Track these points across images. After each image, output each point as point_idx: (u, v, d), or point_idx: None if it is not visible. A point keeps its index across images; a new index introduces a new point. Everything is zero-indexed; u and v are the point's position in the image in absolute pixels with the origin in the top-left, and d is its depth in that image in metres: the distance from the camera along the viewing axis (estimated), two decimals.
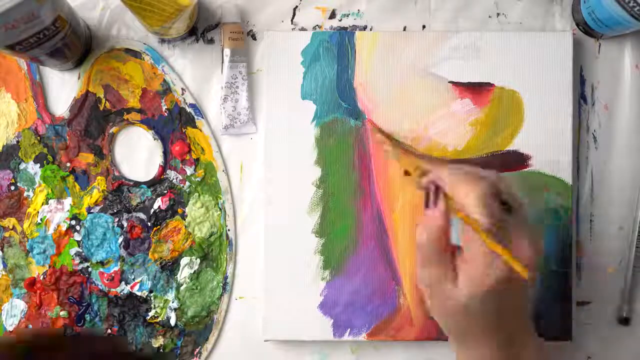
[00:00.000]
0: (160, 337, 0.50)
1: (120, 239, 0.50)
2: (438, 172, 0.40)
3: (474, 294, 0.36)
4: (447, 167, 0.40)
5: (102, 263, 0.50)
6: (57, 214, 0.50)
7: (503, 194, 0.38)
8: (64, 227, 0.50)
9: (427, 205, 0.40)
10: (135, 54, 0.51)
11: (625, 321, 0.50)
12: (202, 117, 0.51)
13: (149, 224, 0.50)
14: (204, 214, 0.50)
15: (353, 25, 0.51)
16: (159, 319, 0.50)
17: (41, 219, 0.50)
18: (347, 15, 0.51)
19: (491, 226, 0.36)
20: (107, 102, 0.50)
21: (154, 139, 0.50)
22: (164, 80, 0.50)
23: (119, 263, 0.50)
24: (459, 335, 0.39)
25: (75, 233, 0.50)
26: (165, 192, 0.50)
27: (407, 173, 0.44)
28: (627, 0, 0.44)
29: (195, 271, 0.50)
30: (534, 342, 0.39)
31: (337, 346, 0.51)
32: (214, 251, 0.50)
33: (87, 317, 0.50)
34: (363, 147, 0.49)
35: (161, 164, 0.50)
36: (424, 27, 0.51)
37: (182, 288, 0.50)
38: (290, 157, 0.49)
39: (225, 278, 0.50)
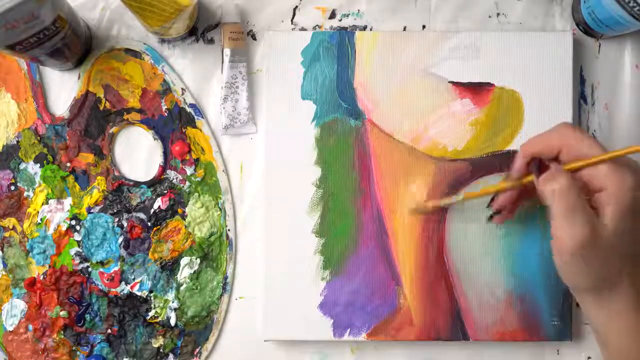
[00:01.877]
0: (160, 337, 0.50)
1: (120, 239, 0.50)
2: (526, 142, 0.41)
3: (621, 226, 0.36)
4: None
5: (102, 263, 0.50)
6: (57, 214, 0.50)
7: None
8: (64, 227, 0.50)
9: (538, 175, 0.39)
10: (135, 54, 0.51)
11: None
12: (202, 117, 0.51)
13: (149, 224, 0.50)
14: (204, 214, 0.50)
15: (353, 25, 0.51)
16: (159, 319, 0.50)
17: (41, 219, 0.50)
18: (347, 15, 0.51)
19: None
20: (107, 102, 0.50)
21: (154, 139, 0.51)
22: (164, 80, 0.50)
23: (119, 263, 0.50)
24: (602, 281, 0.38)
25: (75, 233, 0.50)
26: (165, 192, 0.50)
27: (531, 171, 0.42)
28: (627, 0, 0.44)
29: (195, 271, 0.50)
30: None
31: (337, 346, 0.51)
32: (214, 251, 0.50)
33: (87, 317, 0.50)
34: (363, 147, 0.49)
35: (161, 164, 0.50)
36: (424, 27, 0.52)
37: (182, 288, 0.50)
38: (290, 157, 0.49)
39: (225, 278, 0.50)
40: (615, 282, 0.38)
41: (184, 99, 0.51)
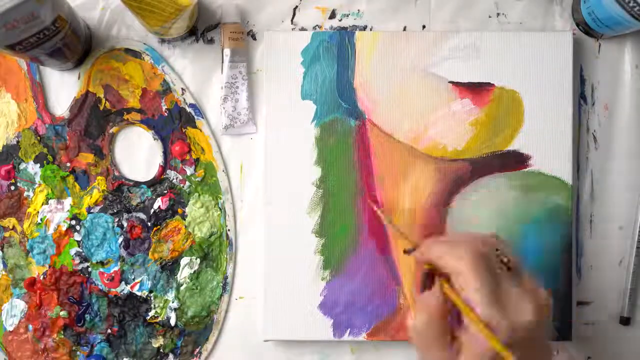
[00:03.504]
0: (160, 337, 0.50)
1: (120, 239, 0.50)
2: (427, 246, 0.37)
3: None
4: (437, 240, 0.38)
5: (102, 263, 0.50)
6: (57, 214, 0.50)
7: (502, 255, 0.36)
8: (64, 227, 0.50)
9: (422, 289, 0.37)
10: (135, 54, 0.51)
11: (626, 321, 0.50)
12: (202, 117, 0.51)
13: (149, 224, 0.50)
14: (204, 214, 0.50)
15: (353, 25, 0.51)
16: (159, 319, 0.50)
17: (41, 219, 0.50)
18: (347, 15, 0.51)
19: (488, 312, 0.33)
20: (107, 102, 0.50)
21: (154, 139, 0.51)
22: (164, 80, 0.50)
23: (119, 263, 0.50)
24: None
25: (75, 233, 0.50)
26: (165, 192, 0.50)
27: (406, 251, 0.40)
28: (627, 0, 0.44)
29: (195, 271, 0.50)
30: None
31: (337, 346, 0.51)
32: (214, 251, 0.50)
33: (87, 317, 0.50)
34: (363, 147, 0.49)
35: (161, 164, 0.50)
36: (424, 27, 0.51)
37: (182, 288, 0.50)
38: (290, 157, 0.49)
39: (225, 278, 0.50)
40: None
41: (184, 99, 0.50)
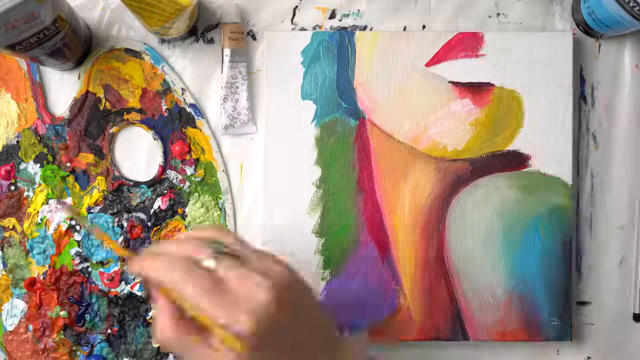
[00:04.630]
0: None
1: (120, 239, 0.50)
2: (140, 261, 0.34)
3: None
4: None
5: (102, 263, 0.50)
6: (57, 214, 0.50)
7: (223, 248, 0.33)
8: (64, 227, 0.50)
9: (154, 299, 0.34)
10: (135, 54, 0.51)
11: (639, 317, 0.50)
12: (202, 117, 0.51)
13: (149, 224, 0.50)
14: (204, 214, 0.50)
15: (353, 25, 0.51)
16: None
17: (41, 219, 0.50)
18: (347, 15, 0.51)
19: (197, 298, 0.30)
20: (107, 102, 0.50)
21: (154, 139, 0.51)
22: (164, 80, 0.50)
23: (119, 263, 0.50)
24: None
25: (75, 233, 0.50)
26: (165, 192, 0.50)
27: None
28: (627, 0, 0.44)
29: None
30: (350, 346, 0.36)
31: None
32: None
33: (87, 317, 0.50)
34: (363, 147, 0.49)
35: (161, 164, 0.50)
36: (424, 27, 0.52)
37: None
38: (290, 157, 0.49)
39: None
40: None
41: (184, 99, 0.51)
